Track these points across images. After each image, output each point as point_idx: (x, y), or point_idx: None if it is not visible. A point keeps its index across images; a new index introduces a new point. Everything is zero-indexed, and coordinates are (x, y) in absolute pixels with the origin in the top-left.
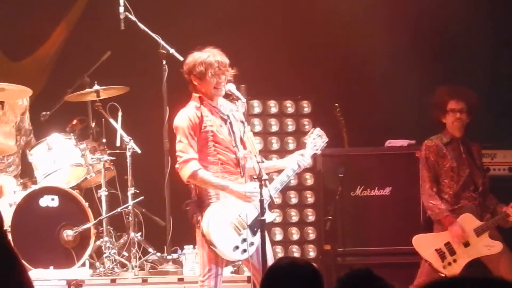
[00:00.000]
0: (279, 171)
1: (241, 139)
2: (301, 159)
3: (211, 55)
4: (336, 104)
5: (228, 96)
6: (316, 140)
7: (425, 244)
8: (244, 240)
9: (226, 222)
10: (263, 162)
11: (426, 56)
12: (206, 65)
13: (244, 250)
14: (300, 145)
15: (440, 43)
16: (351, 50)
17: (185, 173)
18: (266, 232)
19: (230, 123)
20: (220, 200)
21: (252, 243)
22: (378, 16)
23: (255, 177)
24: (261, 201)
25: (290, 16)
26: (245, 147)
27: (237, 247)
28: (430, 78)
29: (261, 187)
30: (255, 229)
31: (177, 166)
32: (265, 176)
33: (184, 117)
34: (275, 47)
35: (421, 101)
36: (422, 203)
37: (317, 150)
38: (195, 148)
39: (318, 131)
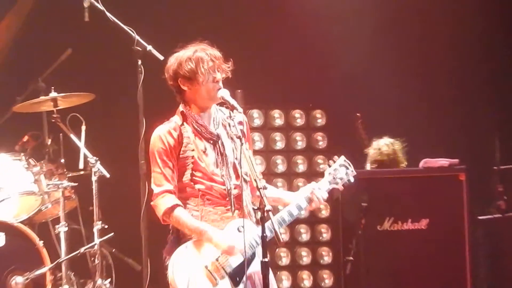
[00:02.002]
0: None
1: (234, 165)
2: (316, 193)
3: (198, 49)
4: (358, 114)
5: (222, 105)
6: (339, 171)
7: None
8: None
9: (198, 267)
10: (266, 188)
11: (466, 64)
12: (196, 60)
13: None
14: (313, 166)
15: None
16: (375, 49)
17: (158, 211)
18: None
19: (221, 144)
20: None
21: None
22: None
23: (255, 207)
24: (263, 238)
25: (300, 8)
26: (237, 174)
27: None
28: (474, 87)
29: (262, 220)
30: (237, 279)
31: (151, 203)
32: (268, 207)
33: (155, 138)
34: (279, 44)
35: (466, 112)
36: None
37: (337, 184)
38: (171, 176)
39: (343, 160)
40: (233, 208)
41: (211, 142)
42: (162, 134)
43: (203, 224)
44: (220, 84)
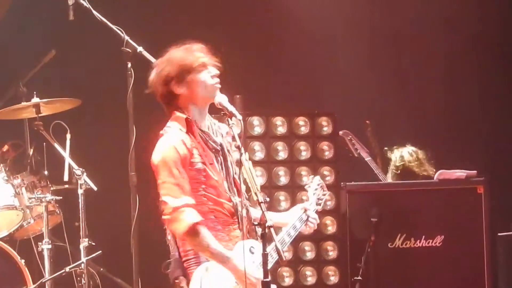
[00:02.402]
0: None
1: (234, 179)
2: (308, 214)
3: (185, 48)
4: (367, 122)
5: (218, 112)
6: (318, 192)
7: None
8: None
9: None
10: (267, 201)
11: (486, 69)
12: (188, 58)
13: None
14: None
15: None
16: (385, 52)
17: (179, 227)
18: None
19: (224, 155)
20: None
21: None
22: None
23: (255, 223)
24: (265, 256)
25: (304, 10)
26: (238, 188)
27: None
28: (495, 94)
29: (264, 236)
30: None
31: (165, 217)
32: (269, 222)
33: (169, 148)
34: (282, 46)
35: (485, 121)
36: None
37: (320, 206)
38: (188, 189)
39: (318, 180)
40: (241, 225)
41: (214, 151)
42: (175, 143)
43: (226, 250)
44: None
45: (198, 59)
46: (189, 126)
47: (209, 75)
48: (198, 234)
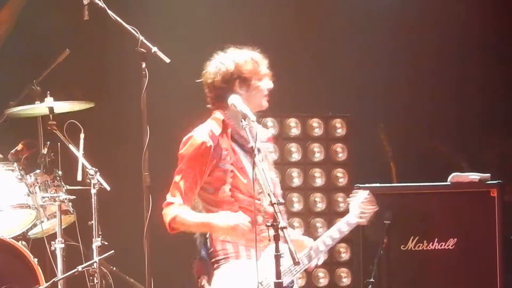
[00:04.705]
0: None
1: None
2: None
3: (252, 54)
4: (381, 125)
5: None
6: (363, 207)
7: None
8: None
9: None
10: (280, 202)
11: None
12: (257, 62)
13: None
14: (331, 179)
15: None
16: (399, 51)
17: (165, 219)
18: None
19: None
20: (239, 258)
21: None
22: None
23: (269, 223)
24: (277, 258)
25: (318, 10)
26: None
27: None
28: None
29: (276, 238)
30: None
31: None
32: (282, 223)
33: (192, 142)
34: (296, 47)
35: (499, 123)
36: None
37: (362, 220)
38: (189, 189)
39: (366, 194)
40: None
41: (249, 154)
42: (199, 139)
43: (205, 215)
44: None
45: (266, 69)
46: (225, 128)
47: (267, 86)
48: (176, 221)
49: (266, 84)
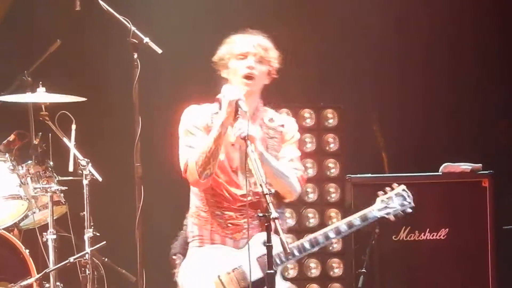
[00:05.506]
0: None
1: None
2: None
3: (238, 36)
4: (374, 114)
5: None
6: (394, 200)
7: None
8: None
9: (211, 276)
10: (272, 193)
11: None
12: (232, 41)
13: None
14: (323, 169)
15: None
16: (392, 41)
17: (194, 178)
18: None
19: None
20: (214, 244)
21: None
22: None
23: (260, 214)
24: (269, 248)
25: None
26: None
27: None
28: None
29: (268, 228)
30: None
31: (185, 176)
32: (274, 214)
33: (188, 114)
34: (286, 36)
35: (490, 113)
36: None
37: (388, 214)
38: (196, 144)
39: (401, 190)
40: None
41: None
42: (195, 111)
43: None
44: (255, 72)
45: (240, 48)
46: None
47: (244, 65)
48: (189, 168)
49: (242, 63)
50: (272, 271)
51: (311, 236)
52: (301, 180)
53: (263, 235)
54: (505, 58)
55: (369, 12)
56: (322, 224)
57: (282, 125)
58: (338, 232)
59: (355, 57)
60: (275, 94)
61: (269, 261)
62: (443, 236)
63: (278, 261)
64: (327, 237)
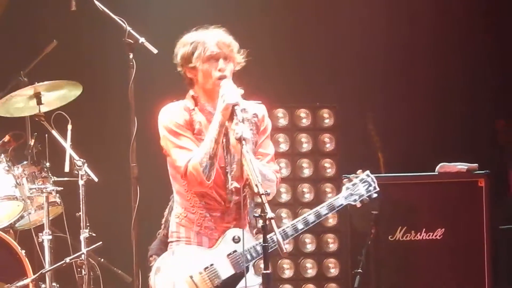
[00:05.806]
0: None
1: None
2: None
3: (203, 33)
4: (369, 114)
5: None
6: (359, 186)
7: None
8: None
9: (183, 276)
10: (268, 193)
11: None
12: (195, 44)
13: None
14: (319, 170)
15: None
16: (387, 41)
17: (198, 178)
18: None
19: (227, 139)
20: (190, 243)
21: None
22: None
23: (256, 215)
24: (265, 249)
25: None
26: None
27: None
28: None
29: (265, 228)
30: None
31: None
32: (270, 214)
33: (170, 114)
34: (282, 37)
35: (487, 114)
36: None
37: (354, 201)
38: (193, 147)
39: (366, 175)
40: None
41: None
42: (176, 110)
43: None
44: (226, 73)
45: (205, 47)
46: (196, 103)
47: (215, 67)
48: (190, 168)
49: (213, 66)
50: (268, 272)
51: (280, 229)
52: (279, 183)
53: (234, 231)
54: (498, 57)
55: (365, 12)
56: (318, 224)
57: (255, 115)
58: (306, 223)
59: (352, 57)
60: (271, 94)
61: (265, 262)
62: (439, 236)
63: (249, 257)
64: (296, 229)
